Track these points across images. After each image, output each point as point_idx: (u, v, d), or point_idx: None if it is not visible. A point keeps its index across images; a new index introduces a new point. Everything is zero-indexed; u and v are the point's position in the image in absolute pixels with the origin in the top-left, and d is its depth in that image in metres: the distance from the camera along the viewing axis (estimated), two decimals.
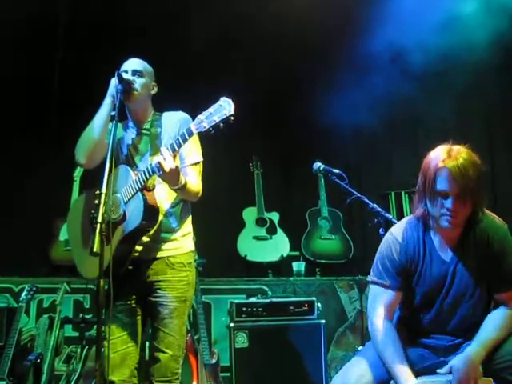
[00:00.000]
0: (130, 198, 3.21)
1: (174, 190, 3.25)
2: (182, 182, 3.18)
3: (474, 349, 2.78)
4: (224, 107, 2.91)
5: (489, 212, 3.01)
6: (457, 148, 2.84)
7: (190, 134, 3.01)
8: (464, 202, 2.80)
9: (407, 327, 3.09)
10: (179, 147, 3.07)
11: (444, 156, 2.80)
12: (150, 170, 3.12)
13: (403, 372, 2.81)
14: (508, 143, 7.07)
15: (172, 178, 3.12)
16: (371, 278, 3.07)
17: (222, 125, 2.92)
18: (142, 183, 3.17)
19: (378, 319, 2.97)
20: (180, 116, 3.48)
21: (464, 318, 2.96)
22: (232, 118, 2.90)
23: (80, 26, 6.63)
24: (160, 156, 3.05)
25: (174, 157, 3.11)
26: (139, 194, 3.19)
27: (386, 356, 2.88)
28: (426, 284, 2.96)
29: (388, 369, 2.86)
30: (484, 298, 2.95)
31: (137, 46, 3.66)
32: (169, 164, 3.03)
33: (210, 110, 2.94)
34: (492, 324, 2.87)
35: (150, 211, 3.22)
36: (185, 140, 3.04)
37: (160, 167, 3.03)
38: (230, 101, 2.92)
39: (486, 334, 2.84)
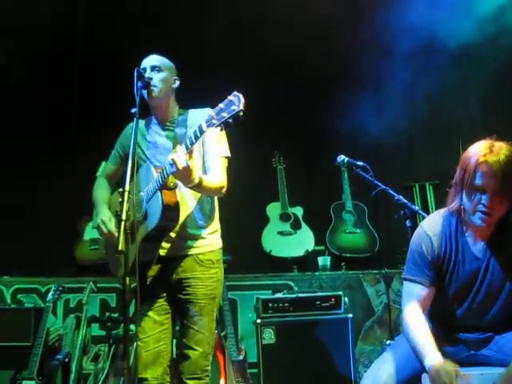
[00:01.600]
0: (151, 196, 3.20)
1: (190, 188, 3.22)
2: (196, 181, 3.12)
3: None
4: (234, 102, 2.83)
5: None
6: (498, 144, 2.79)
7: (201, 131, 2.95)
8: (501, 200, 2.76)
9: (439, 321, 3.05)
10: (192, 145, 3.02)
11: (485, 151, 2.76)
12: (167, 169, 3.10)
13: (427, 347, 2.77)
14: None
15: (184, 176, 3.07)
16: (403, 274, 3.03)
17: (231, 121, 2.83)
18: (161, 182, 3.15)
19: (411, 314, 2.93)
20: (206, 112, 3.43)
21: (496, 313, 2.92)
22: (241, 113, 2.81)
23: (98, 37, 6.68)
24: (174, 154, 3.02)
25: (190, 155, 3.07)
26: (158, 193, 3.18)
27: (415, 341, 2.83)
28: (459, 280, 2.92)
29: (416, 351, 2.81)
30: None
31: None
32: (182, 162, 2.99)
33: (221, 105, 2.87)
34: None
35: (169, 210, 3.19)
36: (197, 138, 2.98)
37: (173, 164, 3.00)
38: (240, 95, 2.83)
39: None
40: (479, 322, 2.95)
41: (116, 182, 3.73)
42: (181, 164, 2.98)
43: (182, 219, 3.32)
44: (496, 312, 2.92)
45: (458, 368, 2.67)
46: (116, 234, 3.18)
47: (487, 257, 2.89)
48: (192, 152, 3.10)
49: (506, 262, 2.87)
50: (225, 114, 2.84)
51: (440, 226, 2.97)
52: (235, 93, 2.86)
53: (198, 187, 3.19)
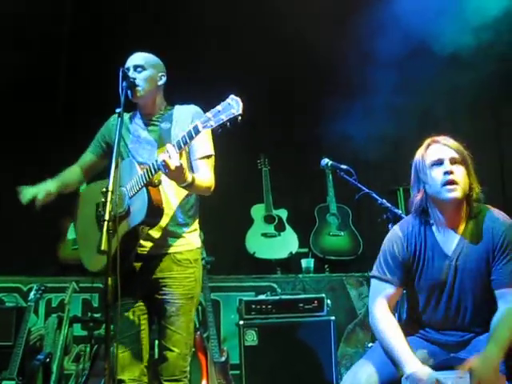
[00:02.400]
0: (135, 193, 3.18)
1: (182, 187, 3.22)
2: (189, 180, 3.13)
3: (493, 349, 2.76)
4: (232, 106, 2.83)
5: (493, 208, 3.03)
6: None
7: (197, 132, 2.94)
8: (459, 166, 2.89)
9: (417, 325, 3.08)
10: (185, 145, 3.01)
11: (430, 138, 3.00)
12: (156, 167, 3.08)
13: (404, 355, 2.81)
14: None
15: (178, 175, 3.07)
16: (372, 273, 3.09)
17: (228, 124, 2.85)
18: (148, 179, 3.13)
19: (378, 310, 2.99)
20: (193, 110, 3.45)
21: (472, 313, 2.96)
22: (240, 117, 2.83)
23: (85, 26, 6.65)
24: (165, 153, 3.00)
25: (180, 154, 3.07)
26: (144, 189, 3.15)
27: (386, 342, 2.90)
28: (429, 277, 2.97)
29: (389, 354, 2.87)
30: (489, 291, 2.93)
31: (143, 44, 3.64)
32: (174, 162, 2.97)
33: (219, 107, 2.87)
34: (503, 322, 2.83)
35: (154, 208, 3.18)
36: (191, 138, 2.98)
37: (165, 165, 2.98)
38: (239, 99, 2.84)
39: (499, 333, 2.81)
40: (457, 324, 2.98)
41: (91, 177, 3.71)
42: (173, 164, 2.98)
43: (164, 216, 3.31)
44: (472, 312, 2.95)
45: (436, 374, 2.71)
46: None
47: (457, 255, 2.94)
48: (183, 152, 3.11)
49: (477, 259, 2.92)
50: (223, 117, 2.85)
51: (411, 226, 3.04)
52: (233, 96, 2.87)
53: (190, 186, 3.18)
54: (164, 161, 2.98)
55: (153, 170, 3.10)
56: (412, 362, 2.78)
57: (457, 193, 2.86)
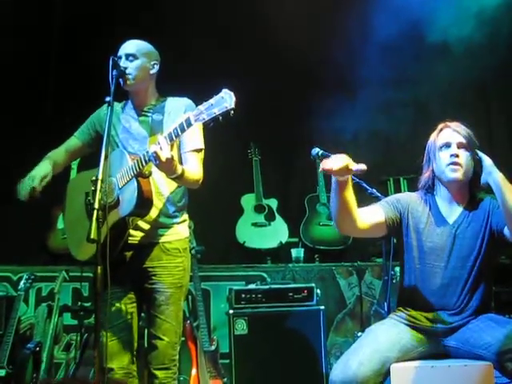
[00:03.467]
0: (126, 183, 3.18)
1: (172, 179, 3.22)
2: (179, 172, 3.14)
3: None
4: (225, 100, 2.84)
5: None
6: None
7: (189, 124, 2.95)
8: (465, 151, 3.11)
9: (406, 308, 3.12)
10: (177, 137, 3.02)
11: (443, 123, 3.26)
12: (147, 158, 3.08)
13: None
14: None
15: (168, 167, 3.07)
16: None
17: (220, 118, 2.86)
18: (138, 170, 3.14)
19: None
20: (186, 102, 3.46)
21: (465, 286, 3.05)
22: (232, 111, 2.84)
23: (76, 13, 6.60)
24: (157, 145, 3.01)
25: (172, 146, 3.08)
26: (134, 180, 3.16)
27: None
28: (429, 240, 3.14)
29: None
30: (485, 265, 3.06)
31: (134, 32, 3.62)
32: (165, 154, 2.98)
33: (211, 101, 2.88)
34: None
35: (144, 198, 3.19)
36: (183, 130, 2.98)
37: (156, 157, 2.98)
38: (232, 94, 2.85)
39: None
40: (448, 298, 3.07)
41: (72, 161, 3.69)
42: (164, 156, 2.98)
43: (154, 208, 3.32)
44: (465, 285, 3.05)
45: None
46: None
47: (457, 225, 3.12)
48: (174, 144, 3.12)
49: (475, 232, 3.09)
50: (215, 111, 2.85)
51: (417, 197, 3.28)
52: (226, 90, 2.87)
53: (180, 178, 3.19)
54: (155, 152, 2.98)
55: (143, 161, 3.11)
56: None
57: (458, 173, 3.09)
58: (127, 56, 3.41)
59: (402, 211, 3.20)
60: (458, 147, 3.12)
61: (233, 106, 2.84)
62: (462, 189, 3.17)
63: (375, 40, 5.94)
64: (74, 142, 3.69)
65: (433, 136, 3.25)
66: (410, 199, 3.25)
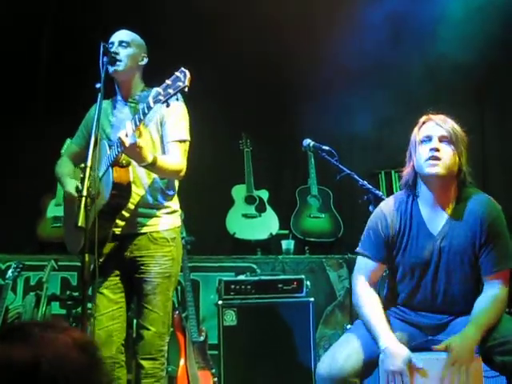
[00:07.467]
0: (104, 173, 3.17)
1: (143, 167, 3.19)
2: (149, 160, 3.09)
3: (472, 330, 2.77)
4: (180, 78, 2.86)
5: (483, 193, 3.02)
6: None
7: (149, 107, 2.96)
8: (448, 145, 2.90)
9: (396, 305, 3.09)
10: (140, 121, 3.02)
11: (426, 116, 3.04)
12: (118, 146, 3.08)
13: (381, 329, 2.84)
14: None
15: (134, 154, 3.05)
16: (357, 249, 3.13)
17: (175, 97, 2.89)
18: (113, 158, 3.12)
19: (360, 287, 3.03)
20: None
21: (454, 296, 2.96)
22: (186, 89, 2.85)
23: (69, 8, 6.56)
24: (123, 131, 3.00)
25: (140, 133, 3.06)
26: (110, 169, 3.15)
27: (365, 317, 2.93)
28: (412, 255, 2.97)
29: (369, 329, 2.90)
30: (473, 275, 2.94)
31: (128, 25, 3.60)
32: (129, 139, 2.97)
33: (168, 81, 2.90)
34: (485, 306, 2.85)
35: (119, 187, 3.17)
36: (144, 114, 3.00)
37: (121, 143, 2.98)
38: (187, 71, 2.86)
39: (481, 317, 2.82)
40: (436, 306, 2.99)
41: (80, 162, 3.69)
42: (128, 141, 2.96)
43: (135, 198, 3.30)
44: (453, 295, 2.96)
45: (412, 354, 2.75)
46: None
47: (442, 235, 2.94)
48: (141, 129, 3.09)
49: (463, 242, 2.92)
50: (171, 91, 2.86)
51: (397, 203, 3.06)
52: (182, 69, 2.89)
53: (153, 166, 3.16)
54: (119, 138, 2.97)
55: (116, 150, 3.09)
56: (388, 337, 2.81)
57: (437, 168, 2.87)
58: (120, 42, 3.41)
59: (383, 240, 3.01)
60: (440, 141, 2.90)
61: (186, 83, 2.84)
62: (445, 187, 2.94)
63: (371, 36, 5.96)
64: (72, 148, 3.74)
65: (415, 129, 3.04)
66: (385, 218, 3.03)
